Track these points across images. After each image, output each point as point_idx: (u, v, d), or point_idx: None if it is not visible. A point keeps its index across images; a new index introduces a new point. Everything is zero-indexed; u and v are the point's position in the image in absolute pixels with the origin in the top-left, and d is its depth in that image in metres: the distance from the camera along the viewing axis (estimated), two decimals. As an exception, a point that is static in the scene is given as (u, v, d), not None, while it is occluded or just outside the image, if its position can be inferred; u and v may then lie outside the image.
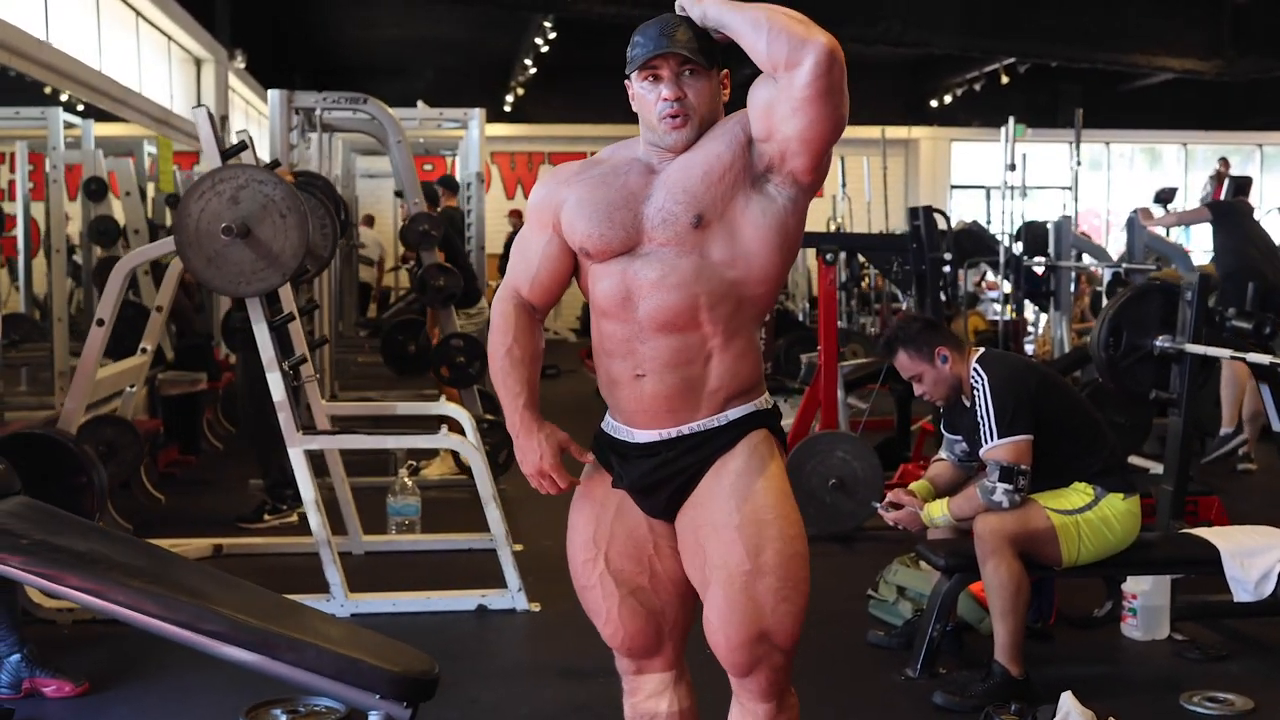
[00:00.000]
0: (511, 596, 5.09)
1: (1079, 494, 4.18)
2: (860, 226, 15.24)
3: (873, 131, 19.03)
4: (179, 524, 6.33)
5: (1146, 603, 4.67)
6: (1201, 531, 4.53)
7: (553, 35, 13.84)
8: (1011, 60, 15.68)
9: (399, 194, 8.30)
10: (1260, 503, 6.76)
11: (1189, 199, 18.96)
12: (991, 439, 4.08)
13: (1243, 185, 16.58)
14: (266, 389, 6.42)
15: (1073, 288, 9.75)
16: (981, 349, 4.34)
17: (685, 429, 2.62)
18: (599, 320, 2.65)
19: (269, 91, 7.12)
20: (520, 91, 16.97)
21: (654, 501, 2.68)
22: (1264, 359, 4.59)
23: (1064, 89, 18.76)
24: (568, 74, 16.82)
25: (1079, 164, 10.18)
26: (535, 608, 5.12)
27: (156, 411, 7.71)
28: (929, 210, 7.81)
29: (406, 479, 6.25)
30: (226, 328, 8.99)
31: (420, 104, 10.11)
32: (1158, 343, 4.98)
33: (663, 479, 2.64)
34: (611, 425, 2.71)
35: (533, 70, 15.73)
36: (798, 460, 6.16)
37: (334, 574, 4.98)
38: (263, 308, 4.89)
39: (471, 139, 9.77)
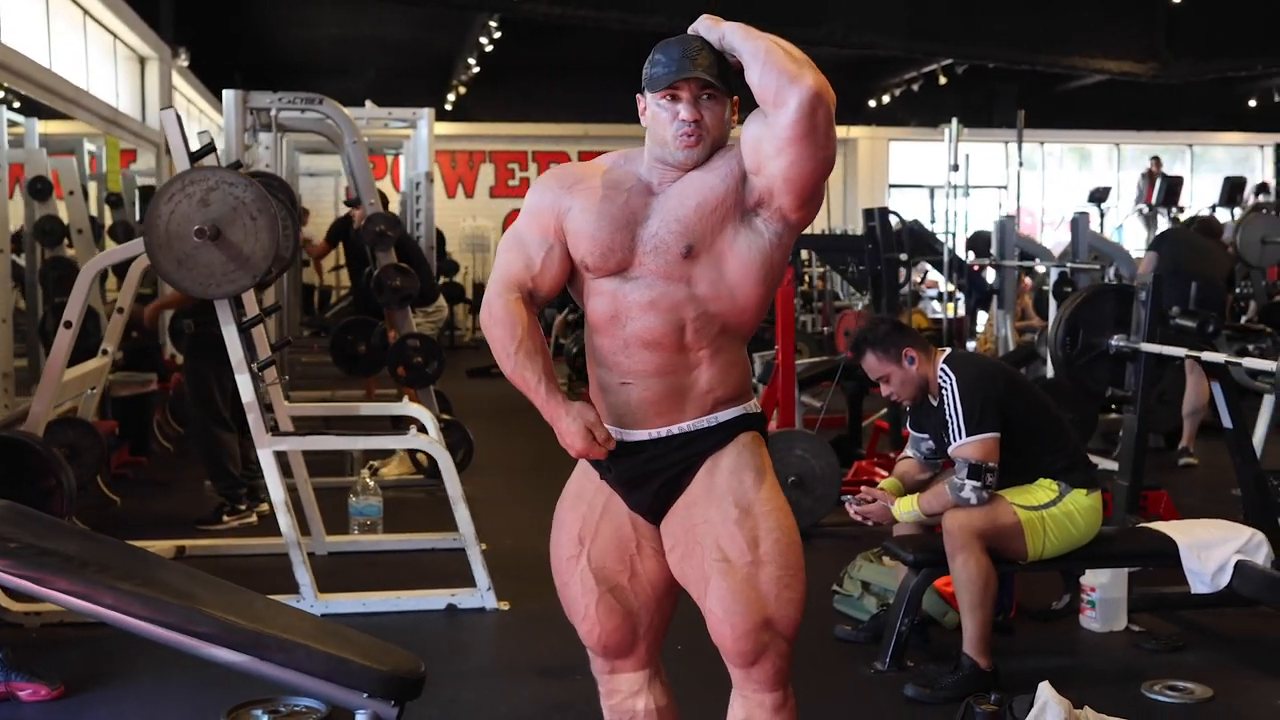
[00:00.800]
0: (481, 595, 5.13)
1: (1044, 490, 4.29)
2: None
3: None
4: (136, 526, 6.30)
5: (1105, 595, 4.79)
6: (1158, 525, 4.65)
7: (498, 34, 13.85)
8: (950, 61, 15.88)
9: (351, 204, 8.28)
10: (1203, 496, 6.91)
11: (1122, 198, 19.32)
12: (960, 437, 4.18)
13: (1174, 185, 16.98)
14: (212, 392, 6.47)
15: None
16: (947, 350, 4.44)
17: (674, 429, 2.70)
18: (590, 332, 2.72)
19: (224, 92, 7.11)
20: (462, 90, 16.96)
21: (641, 496, 2.75)
22: (1218, 357, 4.72)
23: (1000, 90, 19.04)
24: (511, 73, 16.86)
25: (1020, 164, 10.33)
26: (504, 606, 5.17)
27: (107, 413, 7.66)
28: (884, 211, 7.92)
29: (369, 479, 6.27)
30: (174, 329, 8.97)
31: (369, 104, 10.11)
32: (1113, 342, 5.10)
33: (651, 472, 2.71)
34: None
35: (476, 69, 15.73)
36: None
37: (304, 575, 4.99)
38: (231, 310, 4.89)
39: (420, 138, 9.79)
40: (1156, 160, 18.58)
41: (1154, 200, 16.69)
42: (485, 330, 2.71)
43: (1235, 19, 12.87)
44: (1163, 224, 16.08)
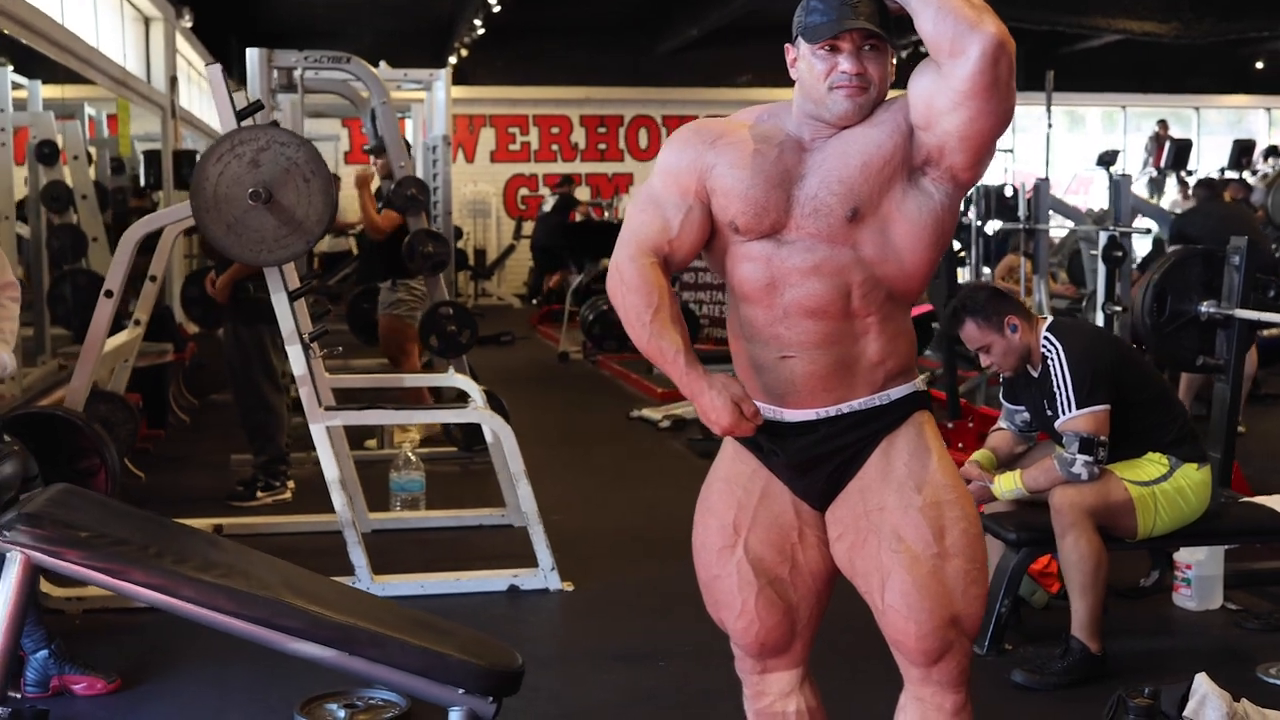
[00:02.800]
0: (544, 576, 4.91)
1: (1154, 464, 4.07)
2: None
3: (787, 94, 18.99)
4: (165, 503, 6.03)
5: (1201, 572, 4.59)
6: (1267, 500, 4.45)
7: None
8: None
9: (372, 152, 7.97)
10: (1260, 466, 6.72)
11: (1129, 162, 19.09)
12: (1070, 410, 3.96)
13: (1182, 149, 16.76)
14: (258, 363, 6.22)
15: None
16: (1049, 318, 4.21)
17: (845, 407, 2.47)
18: (738, 304, 2.49)
19: (249, 50, 6.80)
20: (464, 53, 16.62)
21: (811, 481, 2.52)
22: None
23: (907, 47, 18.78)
24: (513, 36, 16.53)
25: (1050, 125, 10.09)
26: (568, 587, 4.94)
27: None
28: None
29: (410, 453, 6.02)
30: (187, 297, 8.69)
31: (383, 64, 9.79)
32: (1203, 308, 4.88)
33: (823, 455, 2.49)
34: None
35: (481, 31, 15.40)
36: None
37: (359, 556, 4.76)
38: (281, 277, 4.63)
39: (437, 100, 9.48)
40: (1163, 124, 18.38)
41: (1162, 164, 16.49)
42: (614, 296, 2.47)
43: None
44: (1171, 187, 15.90)
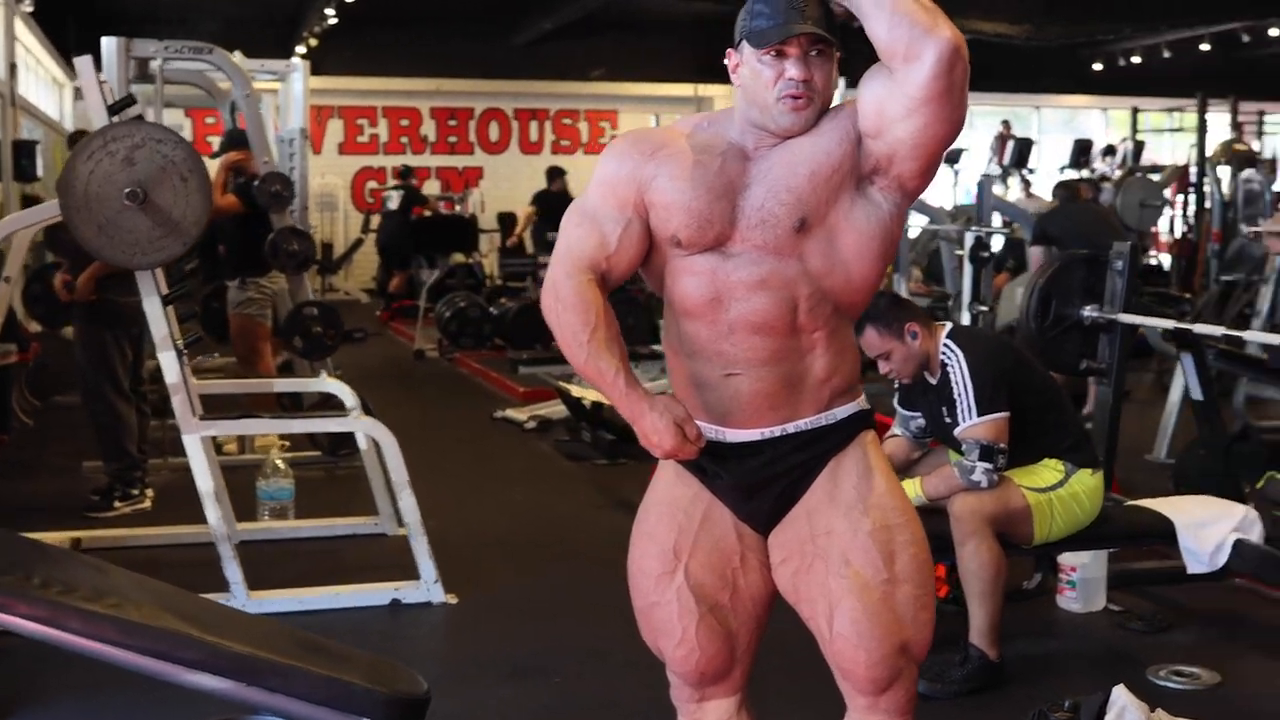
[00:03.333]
0: (427, 588, 4.76)
1: (1050, 470, 4.09)
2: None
3: (660, 89, 19.00)
4: (13, 514, 5.75)
5: (1085, 574, 4.64)
6: (1149, 503, 4.50)
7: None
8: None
9: (217, 154, 7.69)
10: (1127, 465, 6.85)
11: (974, 160, 19.45)
12: (970, 417, 3.95)
13: (1024, 148, 17.14)
14: (114, 362, 5.94)
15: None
16: (948, 324, 4.20)
17: (791, 427, 2.40)
18: (678, 319, 2.39)
19: (104, 40, 6.47)
20: (314, 42, 16.25)
21: (757, 505, 2.44)
22: (1212, 329, 4.58)
23: (853, 49, 18.96)
24: (366, 25, 16.19)
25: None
26: (452, 599, 4.80)
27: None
28: None
29: (278, 460, 5.81)
30: (30, 294, 8.32)
31: (238, 54, 9.49)
32: (1086, 312, 4.93)
33: (770, 477, 2.41)
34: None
35: (333, 21, 15.06)
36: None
37: (235, 571, 4.57)
38: (154, 281, 4.41)
39: (294, 92, 9.18)
40: (1006, 124, 18.77)
41: (1005, 162, 16.83)
42: (550, 315, 2.35)
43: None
44: (1014, 186, 16.23)
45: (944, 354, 4.04)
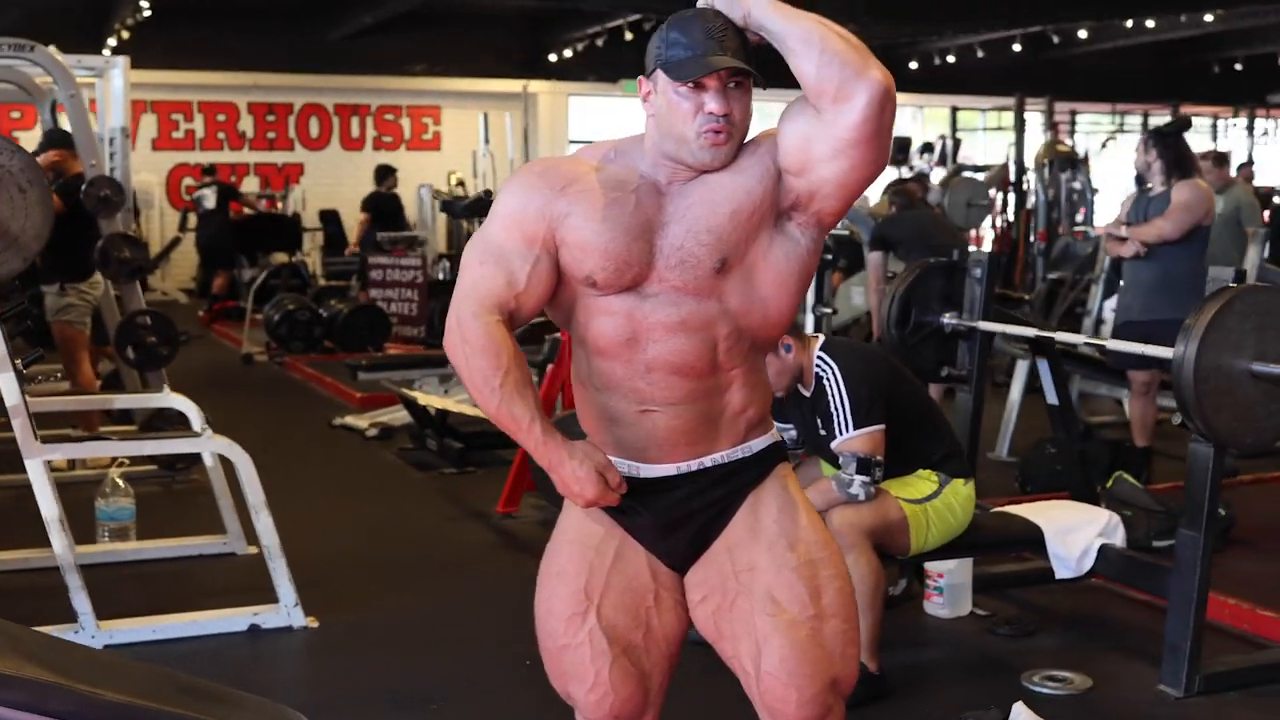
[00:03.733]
0: (287, 612, 4.58)
1: (925, 482, 4.11)
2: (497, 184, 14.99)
3: (485, 84, 18.82)
4: None
5: (952, 580, 4.68)
6: (1016, 510, 4.57)
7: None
8: (639, 16, 15.73)
9: (35, 153, 7.33)
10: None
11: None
12: (847, 430, 3.94)
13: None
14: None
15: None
16: (821, 337, 4.19)
17: (708, 460, 2.35)
18: (590, 357, 2.32)
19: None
20: (125, 35, 15.66)
21: (674, 542, 2.38)
22: (1076, 338, 4.67)
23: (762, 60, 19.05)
24: (181, 18, 15.69)
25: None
26: (313, 623, 4.63)
27: None
28: None
29: (118, 478, 5.54)
30: None
31: (53, 48, 9.08)
32: (945, 320, 4.98)
33: (688, 513, 2.36)
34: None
35: (147, 13, 14.54)
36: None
37: (83, 601, 4.34)
38: (-10, 297, 4.16)
39: (114, 89, 8.82)
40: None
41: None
42: (455, 355, 2.26)
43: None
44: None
45: (819, 367, 4.03)
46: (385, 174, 14.86)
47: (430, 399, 7.45)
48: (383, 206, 14.77)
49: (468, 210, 9.84)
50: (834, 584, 2.34)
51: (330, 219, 17.33)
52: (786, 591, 2.31)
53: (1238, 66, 20.92)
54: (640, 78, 2.29)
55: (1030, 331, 4.92)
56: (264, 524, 4.56)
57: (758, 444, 2.38)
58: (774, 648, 2.30)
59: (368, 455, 7.68)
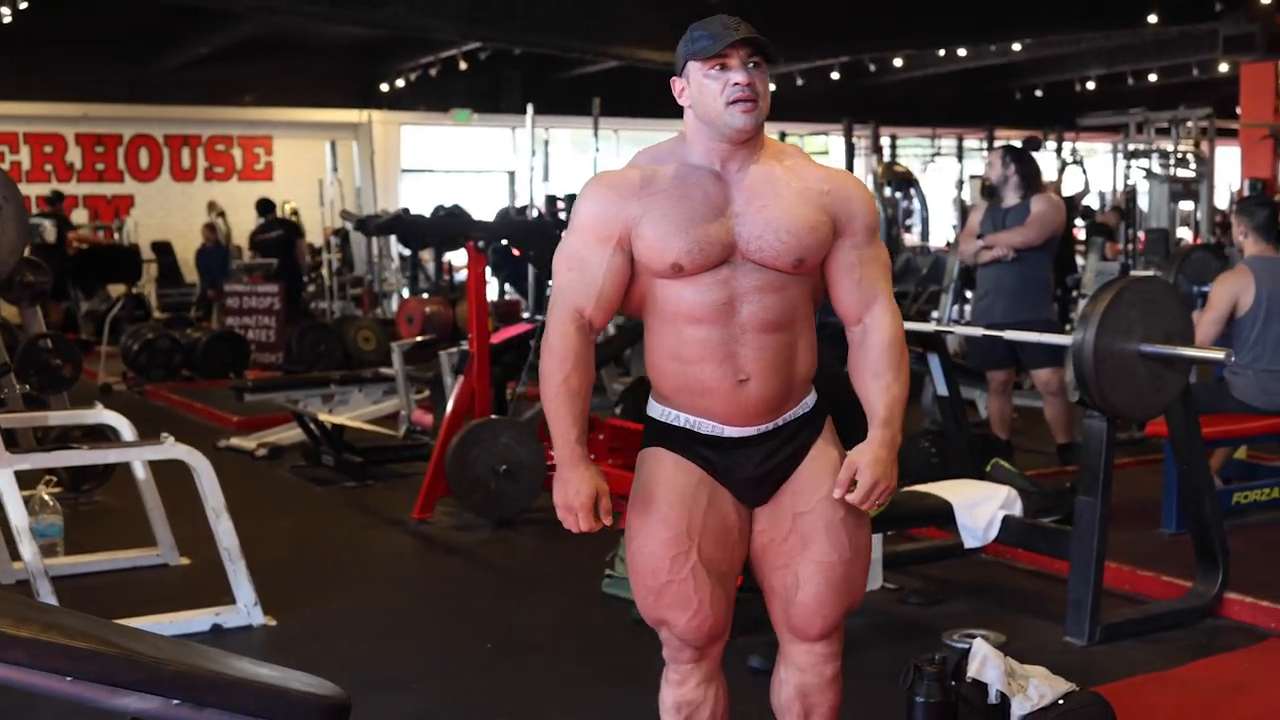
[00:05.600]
0: (247, 611, 4.77)
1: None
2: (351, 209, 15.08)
3: (320, 114, 18.88)
4: None
5: (866, 557, 5.08)
6: (926, 487, 4.99)
7: (24, 4, 12.64)
8: (474, 46, 16.02)
9: None
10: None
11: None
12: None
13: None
14: None
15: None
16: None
17: (780, 420, 2.73)
18: (682, 327, 2.65)
19: None
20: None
21: (762, 490, 2.76)
22: (977, 331, 5.12)
23: (505, 76, 19.40)
24: (7, 46, 15.41)
25: (598, 150, 10.65)
26: (272, 622, 4.83)
27: None
28: (572, 197, 7.98)
29: (45, 494, 5.64)
30: None
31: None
32: (833, 318, 5.40)
33: (774, 466, 2.74)
34: (690, 420, 2.71)
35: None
36: (463, 448, 6.14)
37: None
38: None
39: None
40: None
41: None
42: (541, 354, 2.68)
43: (764, 13, 13.67)
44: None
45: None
46: (269, 206, 14.75)
47: (328, 416, 7.63)
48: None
49: (381, 229, 10.09)
50: (863, 529, 2.80)
51: (164, 250, 17.19)
52: (831, 539, 2.73)
53: (1038, 93, 22.18)
54: (673, 79, 2.70)
55: (929, 327, 5.38)
56: (224, 527, 4.75)
57: (809, 400, 2.79)
58: (813, 585, 2.74)
59: (263, 474, 7.80)
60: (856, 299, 2.71)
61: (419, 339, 9.56)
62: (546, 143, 13.26)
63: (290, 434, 8.22)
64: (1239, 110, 16.20)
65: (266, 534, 6.30)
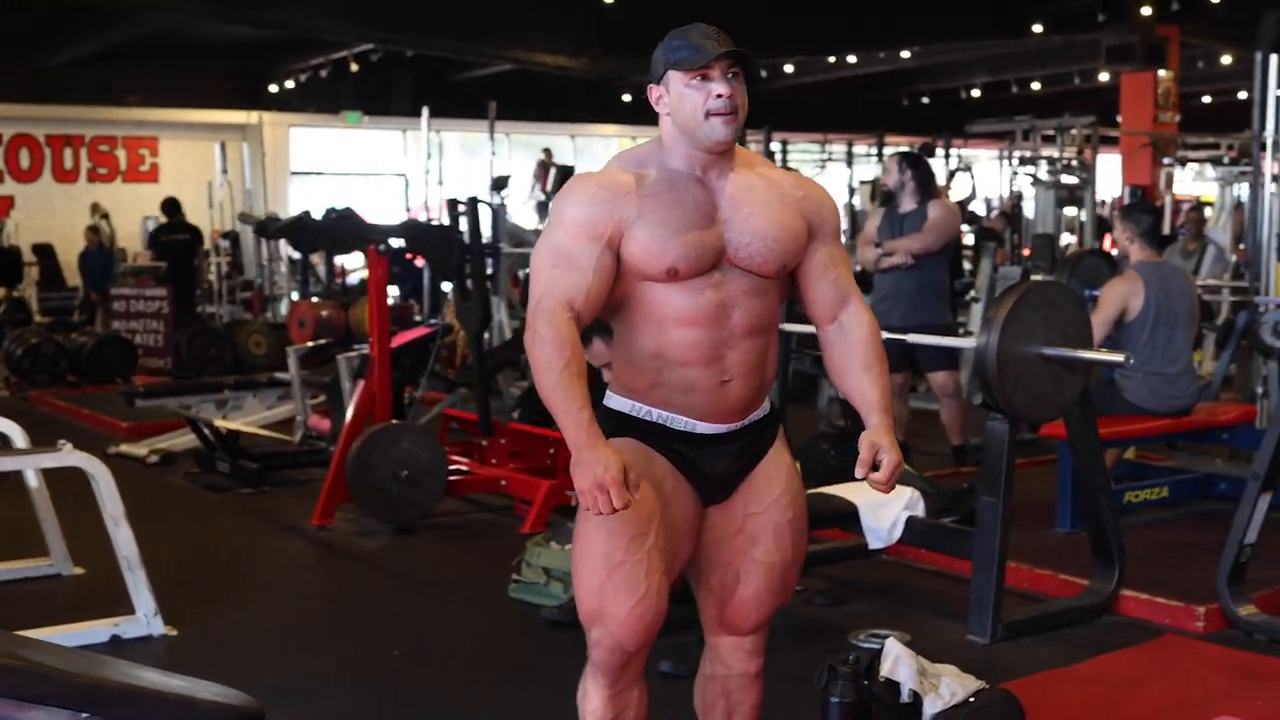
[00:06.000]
0: (147, 621, 4.69)
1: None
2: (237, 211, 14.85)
3: (206, 115, 18.60)
4: None
5: (771, 559, 5.13)
6: (832, 490, 5.04)
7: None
8: (365, 48, 15.89)
9: None
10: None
11: (520, 186, 20.13)
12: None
13: (566, 174, 17.94)
14: None
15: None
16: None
17: (748, 420, 2.78)
18: (670, 329, 2.66)
19: None
20: None
21: (725, 488, 2.79)
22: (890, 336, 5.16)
23: (396, 78, 19.26)
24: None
25: (493, 153, 10.61)
26: (172, 631, 4.74)
27: None
28: (474, 201, 7.96)
29: (-69, 507, 5.48)
30: None
31: None
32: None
33: (741, 466, 2.78)
34: (663, 416, 2.72)
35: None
36: (364, 453, 6.09)
37: (-55, 621, 4.33)
38: None
39: None
40: (548, 151, 19.56)
41: (548, 188, 17.58)
42: (530, 347, 2.60)
43: (658, 19, 13.77)
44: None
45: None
46: (176, 207, 14.40)
47: (223, 422, 7.51)
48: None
49: (282, 232, 9.98)
50: (804, 533, 2.88)
51: (45, 253, 16.81)
52: (777, 542, 2.80)
53: (925, 100, 22.53)
54: (649, 86, 2.71)
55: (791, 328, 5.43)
56: (123, 536, 4.66)
57: (766, 404, 2.83)
58: (754, 583, 2.81)
59: (155, 481, 7.65)
60: (833, 298, 2.77)
61: (313, 343, 9.44)
62: (440, 146, 13.19)
63: (183, 440, 8.08)
64: (1119, 119, 16.58)
65: (162, 542, 6.16)
